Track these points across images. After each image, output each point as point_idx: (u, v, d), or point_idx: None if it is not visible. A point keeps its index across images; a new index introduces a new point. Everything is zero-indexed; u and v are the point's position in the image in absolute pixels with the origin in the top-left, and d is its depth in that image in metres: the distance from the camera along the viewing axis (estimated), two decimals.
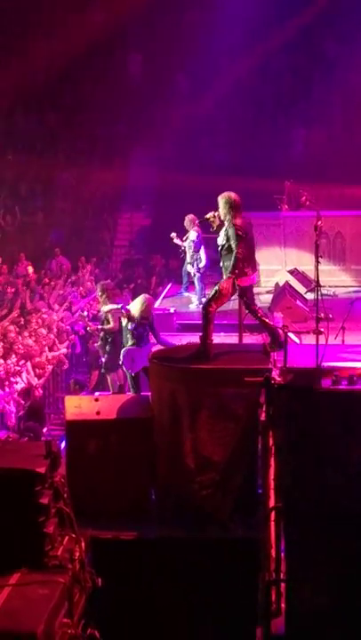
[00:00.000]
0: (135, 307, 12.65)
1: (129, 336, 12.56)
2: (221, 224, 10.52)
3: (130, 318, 12.54)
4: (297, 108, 25.94)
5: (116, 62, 27.64)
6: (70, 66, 27.39)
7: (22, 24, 27.59)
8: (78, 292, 20.14)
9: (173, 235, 17.54)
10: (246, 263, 10.27)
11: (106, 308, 13.63)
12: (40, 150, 25.90)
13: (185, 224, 17.26)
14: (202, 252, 17.18)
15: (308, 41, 26.57)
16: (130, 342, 12.52)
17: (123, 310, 12.73)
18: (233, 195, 10.38)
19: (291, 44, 26.51)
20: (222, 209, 10.36)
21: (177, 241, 17.51)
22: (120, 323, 13.10)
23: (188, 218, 17.06)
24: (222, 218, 10.43)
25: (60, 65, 27.46)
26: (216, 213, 10.57)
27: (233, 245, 10.16)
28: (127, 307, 12.88)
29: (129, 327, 12.59)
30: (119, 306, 13.13)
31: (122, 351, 12.63)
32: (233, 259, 10.14)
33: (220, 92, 26.50)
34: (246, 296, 10.54)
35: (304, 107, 25.83)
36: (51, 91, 27.13)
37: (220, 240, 10.40)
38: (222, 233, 10.42)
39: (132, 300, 18.65)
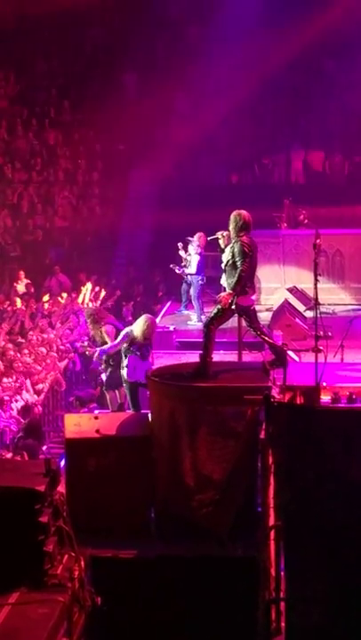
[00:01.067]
0: (138, 328, 12.61)
1: (130, 354, 12.56)
2: (229, 242, 10.57)
3: (132, 341, 12.52)
4: (297, 127, 26.02)
5: (115, 80, 27.74)
6: (70, 83, 27.53)
7: (22, 41, 27.76)
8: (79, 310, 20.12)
9: (180, 245, 17.64)
10: (249, 282, 10.29)
11: (106, 346, 13.38)
12: (40, 168, 25.99)
13: (194, 239, 17.36)
14: (193, 264, 17.27)
15: (307, 60, 26.66)
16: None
17: (123, 339, 12.64)
18: (244, 213, 10.41)
19: (290, 63, 26.61)
20: (232, 226, 10.39)
21: (181, 252, 17.61)
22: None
23: (198, 235, 17.23)
24: (231, 235, 10.47)
25: (59, 82, 27.60)
26: (225, 233, 10.62)
27: (238, 262, 10.15)
28: (130, 330, 12.78)
29: (131, 348, 12.57)
30: (120, 339, 12.90)
31: (126, 359, 12.62)
32: (237, 276, 10.14)
33: (220, 110, 26.58)
34: (248, 315, 10.56)
35: (304, 125, 25.91)
36: (51, 108, 27.23)
37: (226, 256, 10.44)
38: (228, 249, 10.47)
39: (133, 317, 18.76)
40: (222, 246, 10.83)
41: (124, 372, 12.76)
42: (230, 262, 10.26)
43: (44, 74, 27.97)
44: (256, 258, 10.42)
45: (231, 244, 10.40)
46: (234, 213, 10.47)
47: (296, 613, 8.53)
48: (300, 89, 26.41)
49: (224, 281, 11.14)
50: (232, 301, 10.17)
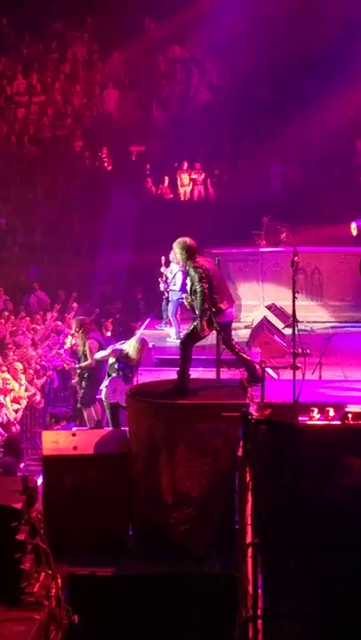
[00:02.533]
0: (132, 348, 12.51)
1: (113, 374, 12.50)
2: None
3: (127, 359, 12.44)
4: (275, 145, 26.12)
5: (94, 95, 27.83)
6: (50, 99, 27.58)
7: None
8: (60, 327, 20.08)
9: (162, 259, 17.64)
10: (218, 299, 10.29)
11: (98, 355, 13.30)
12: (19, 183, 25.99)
13: (170, 257, 17.45)
14: (178, 280, 17.30)
15: (286, 78, 26.82)
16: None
17: (114, 353, 12.59)
18: (188, 240, 10.46)
19: (269, 81, 26.78)
20: (179, 255, 10.45)
21: (162, 268, 17.61)
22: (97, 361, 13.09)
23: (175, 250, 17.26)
24: (182, 263, 10.51)
25: (39, 99, 27.64)
26: (185, 295, 10.64)
27: (197, 287, 10.20)
28: (120, 347, 12.72)
29: (116, 366, 12.52)
30: (108, 351, 12.87)
31: (108, 379, 12.58)
32: (199, 300, 10.18)
33: (199, 127, 26.71)
34: (224, 331, 10.60)
35: (283, 144, 26.02)
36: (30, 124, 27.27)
37: (188, 286, 10.46)
38: (188, 280, 10.48)
39: (112, 334, 18.75)
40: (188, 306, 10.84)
41: (103, 392, 12.73)
42: (193, 290, 10.30)
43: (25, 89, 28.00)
44: (218, 275, 10.41)
45: (188, 273, 10.40)
46: (177, 242, 10.48)
47: (274, 631, 8.51)
48: (279, 107, 26.52)
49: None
50: (209, 324, 10.19)
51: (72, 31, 28.43)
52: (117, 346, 12.82)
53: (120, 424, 12.29)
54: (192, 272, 10.27)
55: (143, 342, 12.68)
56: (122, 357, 12.50)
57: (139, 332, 12.95)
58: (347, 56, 25.07)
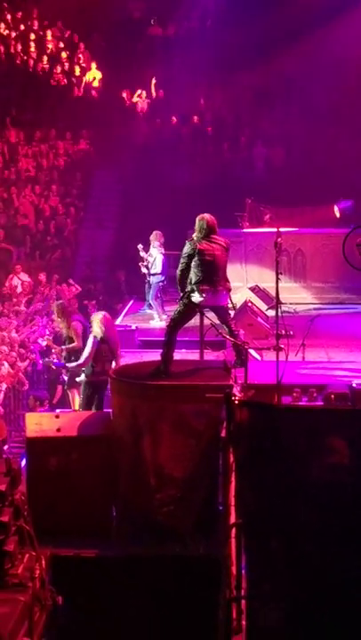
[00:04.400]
0: (98, 329, 12.51)
1: None
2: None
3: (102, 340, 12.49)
4: (258, 127, 26.08)
5: (78, 78, 27.69)
6: (32, 82, 27.42)
7: None
8: (43, 309, 20.03)
9: (140, 246, 17.64)
10: (202, 282, 10.31)
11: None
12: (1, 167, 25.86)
13: (150, 238, 17.47)
14: (158, 264, 17.32)
15: (268, 61, 26.74)
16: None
17: (94, 343, 12.56)
18: (207, 216, 10.56)
19: (251, 63, 26.69)
20: (195, 229, 10.55)
21: (142, 253, 17.60)
22: (84, 341, 13.04)
23: (155, 233, 17.34)
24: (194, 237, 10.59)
25: (21, 81, 27.49)
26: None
27: (180, 262, 10.31)
28: (94, 334, 12.67)
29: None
30: (90, 345, 12.80)
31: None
32: (177, 275, 10.45)
33: (183, 110, 26.65)
34: (218, 314, 10.67)
35: (266, 126, 25.98)
36: (12, 107, 27.12)
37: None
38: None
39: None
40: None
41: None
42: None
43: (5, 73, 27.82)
44: (213, 260, 10.42)
45: None
46: (198, 217, 10.61)
47: (257, 612, 8.54)
48: (262, 89, 26.47)
49: None
50: (189, 303, 10.35)
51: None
52: (91, 336, 12.75)
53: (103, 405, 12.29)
54: (184, 247, 10.45)
55: (105, 318, 12.65)
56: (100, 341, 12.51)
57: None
58: (330, 38, 24.98)
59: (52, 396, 16.29)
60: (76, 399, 13.34)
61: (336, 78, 24.85)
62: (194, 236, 10.59)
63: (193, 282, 10.33)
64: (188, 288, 10.38)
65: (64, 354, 13.57)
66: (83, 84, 27.57)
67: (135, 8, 28.03)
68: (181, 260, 10.44)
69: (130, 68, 27.58)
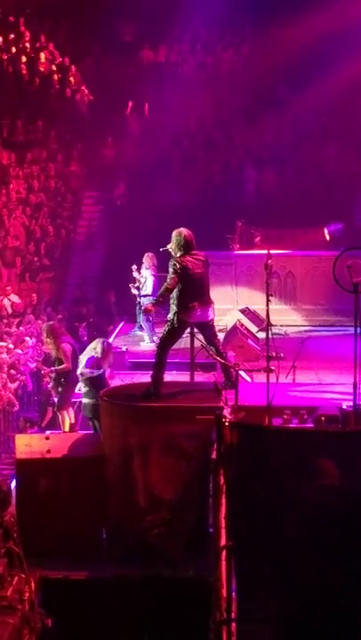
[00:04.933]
0: (99, 353, 12.42)
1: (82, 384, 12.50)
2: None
3: (99, 364, 12.42)
4: (249, 150, 26.19)
5: (68, 101, 27.77)
6: (23, 103, 27.49)
7: None
8: (31, 331, 20.02)
9: (134, 267, 17.67)
10: (190, 298, 10.34)
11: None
12: None
13: (143, 260, 17.50)
14: (149, 285, 17.36)
15: (260, 84, 26.90)
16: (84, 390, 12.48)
17: (90, 363, 12.52)
18: (184, 231, 10.54)
19: (243, 86, 26.86)
20: (172, 244, 10.55)
21: (135, 274, 17.64)
22: (74, 363, 13.00)
23: (148, 255, 17.40)
24: (172, 253, 10.60)
25: (12, 103, 27.55)
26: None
27: (167, 278, 10.39)
28: (92, 355, 12.63)
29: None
30: (83, 363, 12.76)
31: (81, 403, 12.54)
32: (162, 289, 10.51)
33: (173, 132, 26.75)
34: (204, 331, 10.66)
35: (256, 149, 26.09)
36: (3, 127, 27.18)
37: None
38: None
39: (88, 337, 18.70)
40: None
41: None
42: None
43: None
44: (199, 277, 10.45)
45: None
46: (175, 231, 10.60)
47: (247, 634, 8.51)
48: (252, 112, 26.60)
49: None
50: (177, 320, 10.31)
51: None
52: (89, 355, 12.72)
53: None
54: (170, 264, 10.49)
55: (106, 344, 12.64)
56: (95, 365, 12.47)
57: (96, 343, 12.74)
58: (320, 61, 25.13)
59: (42, 419, 16.27)
60: (66, 421, 13.32)
61: (326, 101, 25.00)
62: (169, 248, 10.59)
63: (181, 299, 10.33)
64: (175, 308, 10.37)
65: (53, 375, 13.55)
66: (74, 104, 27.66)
67: (126, 32, 28.16)
68: (170, 276, 10.41)
69: (121, 91, 27.68)
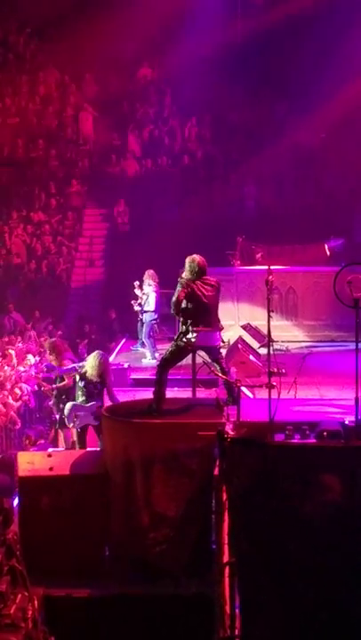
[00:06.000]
0: (90, 364, 12.59)
1: (79, 392, 12.55)
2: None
3: (82, 376, 12.53)
4: (248, 166, 26.25)
5: (69, 119, 27.86)
6: (24, 121, 27.58)
7: None
8: (34, 348, 20.03)
9: (136, 283, 17.71)
10: (196, 323, 10.39)
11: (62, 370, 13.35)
12: None
13: (144, 277, 17.54)
14: (152, 302, 17.39)
15: (258, 100, 26.98)
16: (80, 399, 12.51)
17: (76, 370, 12.68)
18: (197, 258, 10.63)
19: (241, 103, 26.93)
20: (186, 271, 10.62)
21: (137, 291, 17.68)
22: (74, 379, 13.08)
23: (149, 272, 17.44)
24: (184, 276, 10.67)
25: (13, 121, 27.65)
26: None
27: (175, 292, 10.52)
28: (81, 364, 12.83)
29: (80, 384, 12.57)
30: (71, 366, 13.01)
31: (67, 405, 12.61)
32: (172, 303, 10.54)
33: (172, 149, 26.82)
34: (210, 354, 10.71)
35: (256, 165, 26.15)
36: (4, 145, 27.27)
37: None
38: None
39: (88, 354, 18.72)
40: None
41: (65, 420, 12.72)
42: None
43: None
44: (207, 301, 10.50)
45: None
46: (188, 258, 10.68)
47: None
48: (252, 128, 26.67)
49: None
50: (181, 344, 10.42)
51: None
52: (74, 364, 12.89)
53: (86, 445, 12.29)
54: (178, 284, 10.55)
55: (100, 356, 12.69)
56: (82, 375, 12.53)
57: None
58: (318, 78, 25.23)
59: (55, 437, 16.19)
60: (69, 438, 13.32)
61: (324, 118, 25.07)
62: (183, 275, 10.66)
63: (187, 322, 10.38)
64: (183, 329, 10.44)
65: (55, 392, 13.59)
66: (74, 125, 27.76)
67: (126, 49, 28.24)
68: (178, 289, 10.50)
69: (121, 109, 27.78)
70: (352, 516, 8.19)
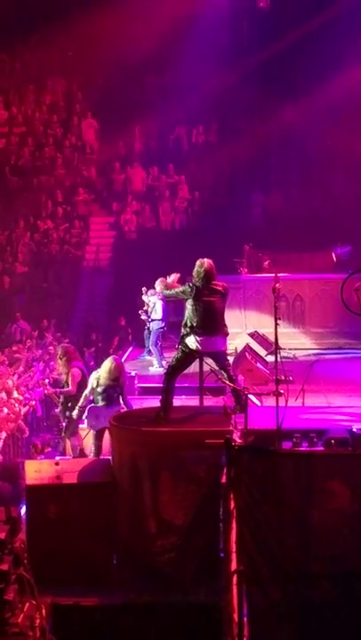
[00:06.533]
0: (105, 368, 12.57)
1: (98, 397, 12.52)
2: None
3: (98, 381, 12.50)
4: (255, 174, 26.26)
5: (75, 126, 27.90)
6: (30, 130, 27.63)
7: None
8: (42, 356, 20.02)
9: (144, 289, 17.71)
10: (198, 326, 10.40)
11: (87, 391, 13.19)
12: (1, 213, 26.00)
13: (155, 285, 17.55)
14: (159, 310, 17.38)
15: (265, 106, 26.97)
16: (100, 403, 12.48)
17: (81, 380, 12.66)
18: (205, 263, 10.68)
19: (248, 109, 26.93)
20: (194, 275, 10.67)
21: (144, 297, 17.68)
22: (78, 386, 13.07)
23: (158, 281, 17.47)
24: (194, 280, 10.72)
25: (19, 130, 27.70)
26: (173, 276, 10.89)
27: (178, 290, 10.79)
28: (97, 370, 12.78)
29: (98, 390, 12.54)
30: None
31: (87, 408, 12.59)
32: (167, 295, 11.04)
33: (179, 156, 26.84)
34: (216, 361, 10.71)
35: (263, 172, 26.16)
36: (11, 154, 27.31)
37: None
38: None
39: (95, 362, 18.73)
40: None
41: (85, 422, 12.72)
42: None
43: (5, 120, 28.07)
44: (211, 306, 10.52)
45: None
46: (198, 262, 10.74)
47: None
48: (259, 135, 26.66)
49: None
50: (185, 349, 10.51)
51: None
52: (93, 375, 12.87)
53: (101, 449, 12.27)
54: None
55: (115, 360, 12.70)
56: (98, 379, 12.53)
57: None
58: (325, 84, 25.22)
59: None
60: (76, 446, 13.31)
61: (331, 124, 25.07)
62: (194, 279, 10.69)
63: (189, 327, 10.41)
64: (184, 332, 10.46)
65: (62, 400, 13.58)
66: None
67: (131, 57, 28.27)
68: (180, 289, 10.69)
69: (126, 116, 27.79)
70: (359, 522, 8.18)
